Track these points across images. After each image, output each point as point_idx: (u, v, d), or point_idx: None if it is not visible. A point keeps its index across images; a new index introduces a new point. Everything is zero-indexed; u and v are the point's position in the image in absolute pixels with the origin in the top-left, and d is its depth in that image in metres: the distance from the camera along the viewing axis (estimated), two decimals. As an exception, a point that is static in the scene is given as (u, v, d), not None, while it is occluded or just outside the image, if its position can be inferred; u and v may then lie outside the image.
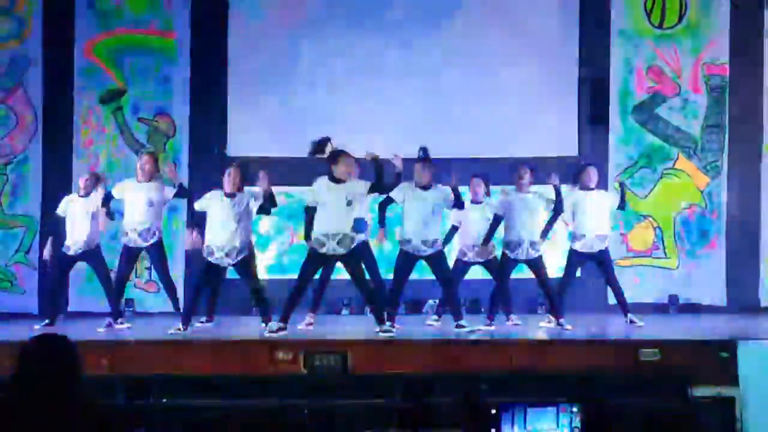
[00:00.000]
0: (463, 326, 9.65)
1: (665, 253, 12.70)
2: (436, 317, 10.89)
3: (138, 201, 10.15)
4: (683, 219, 12.71)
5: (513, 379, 7.96)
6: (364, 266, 9.69)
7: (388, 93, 12.79)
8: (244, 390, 8.07)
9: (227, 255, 9.70)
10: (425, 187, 9.94)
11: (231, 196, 9.75)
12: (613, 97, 12.78)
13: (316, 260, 9.47)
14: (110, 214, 10.42)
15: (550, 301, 10.29)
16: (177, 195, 10.38)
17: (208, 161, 12.65)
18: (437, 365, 8.35)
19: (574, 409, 5.74)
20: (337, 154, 9.33)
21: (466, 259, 10.68)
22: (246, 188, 9.87)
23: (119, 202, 10.37)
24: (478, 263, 10.67)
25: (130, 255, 10.33)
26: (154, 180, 10.27)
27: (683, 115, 12.73)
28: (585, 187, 10.51)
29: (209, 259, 9.73)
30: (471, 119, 12.72)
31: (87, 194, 10.51)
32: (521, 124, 12.73)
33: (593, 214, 10.47)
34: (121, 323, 10.35)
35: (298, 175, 12.50)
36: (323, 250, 9.29)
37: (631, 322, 10.30)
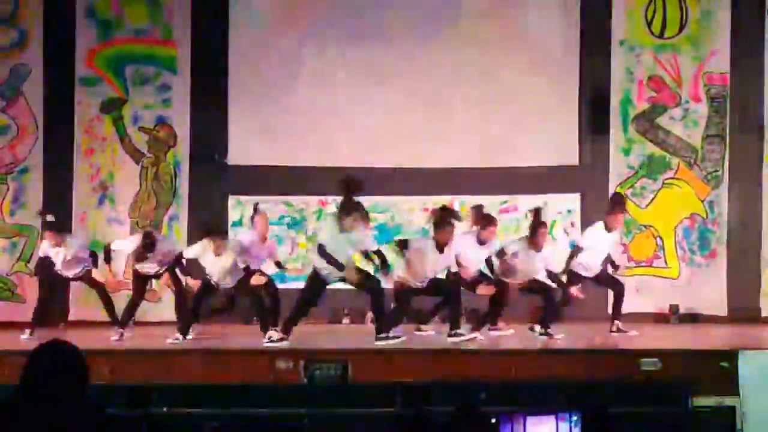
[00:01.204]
0: (460, 335, 9.64)
1: (666, 263, 12.68)
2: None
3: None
4: (684, 229, 12.70)
5: (512, 387, 7.95)
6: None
7: (389, 102, 12.78)
8: (245, 399, 8.06)
9: (225, 283, 10.00)
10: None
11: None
12: (613, 107, 12.77)
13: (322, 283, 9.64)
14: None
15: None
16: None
17: (209, 170, 12.68)
18: (437, 374, 8.35)
19: (574, 418, 5.73)
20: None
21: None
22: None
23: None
24: None
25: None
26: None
27: (684, 124, 12.72)
28: (610, 230, 10.56)
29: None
30: (471, 129, 12.71)
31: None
32: (522, 133, 12.72)
33: (604, 252, 10.63)
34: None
35: (298, 184, 12.57)
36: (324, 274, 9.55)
37: (618, 330, 10.37)
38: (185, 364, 8.68)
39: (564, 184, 12.48)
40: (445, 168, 12.57)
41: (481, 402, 7.47)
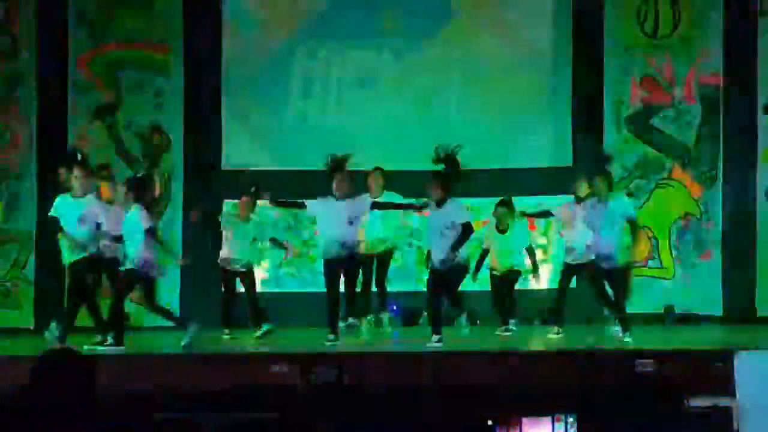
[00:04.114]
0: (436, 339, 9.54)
1: (661, 264, 12.69)
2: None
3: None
4: (678, 229, 12.71)
5: (508, 389, 7.95)
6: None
7: (382, 104, 12.81)
8: (242, 403, 8.06)
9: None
10: (439, 203, 9.76)
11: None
12: (607, 108, 12.79)
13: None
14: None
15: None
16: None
17: (203, 174, 12.68)
18: (434, 377, 8.35)
19: (570, 420, 5.73)
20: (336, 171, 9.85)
21: (495, 272, 11.17)
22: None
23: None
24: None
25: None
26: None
27: (677, 125, 12.75)
28: (578, 198, 10.44)
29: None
30: (465, 130, 12.68)
31: (83, 194, 10.07)
32: (515, 134, 12.74)
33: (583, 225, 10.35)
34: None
35: (292, 188, 12.54)
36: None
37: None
38: (183, 369, 8.68)
39: (558, 185, 12.46)
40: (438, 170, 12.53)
41: (476, 404, 7.47)
